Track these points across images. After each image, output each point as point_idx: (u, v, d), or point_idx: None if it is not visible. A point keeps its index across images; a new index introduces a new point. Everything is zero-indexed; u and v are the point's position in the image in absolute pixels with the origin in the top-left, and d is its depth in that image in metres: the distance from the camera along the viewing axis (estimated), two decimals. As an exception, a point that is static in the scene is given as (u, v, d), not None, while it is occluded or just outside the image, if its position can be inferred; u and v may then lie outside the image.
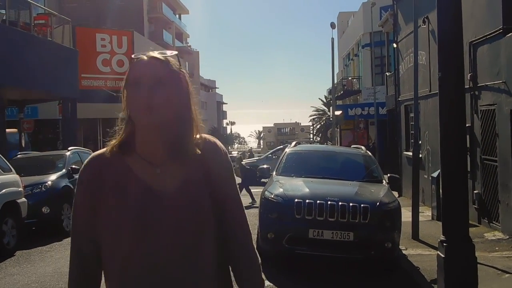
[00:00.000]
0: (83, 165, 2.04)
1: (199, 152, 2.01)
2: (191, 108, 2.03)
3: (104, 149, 2.03)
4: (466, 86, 9.47)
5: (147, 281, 1.93)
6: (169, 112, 1.93)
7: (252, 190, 18.15)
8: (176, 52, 2.04)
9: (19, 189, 10.70)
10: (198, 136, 2.05)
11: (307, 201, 8.12)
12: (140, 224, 1.91)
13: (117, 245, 1.93)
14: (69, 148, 14.67)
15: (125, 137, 1.99)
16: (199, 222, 1.96)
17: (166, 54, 2.00)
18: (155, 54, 1.97)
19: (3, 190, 10.10)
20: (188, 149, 1.99)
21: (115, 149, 1.99)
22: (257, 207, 10.82)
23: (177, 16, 66.91)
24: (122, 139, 2.00)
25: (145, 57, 1.96)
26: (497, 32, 10.61)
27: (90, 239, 2.01)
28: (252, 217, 10.02)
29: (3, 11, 18.21)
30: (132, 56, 1.99)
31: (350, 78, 43.46)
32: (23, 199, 10.77)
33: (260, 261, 2.16)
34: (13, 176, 10.70)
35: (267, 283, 6.90)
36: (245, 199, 16.18)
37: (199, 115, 2.07)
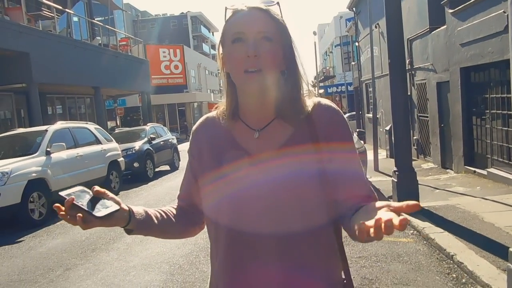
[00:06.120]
0: (196, 123, 1.23)
1: (308, 113, 1.09)
2: (297, 63, 1.11)
3: (216, 111, 1.19)
4: (407, 68, 9.25)
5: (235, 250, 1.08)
6: (276, 72, 1.06)
7: None
8: (278, 1, 1.09)
9: (118, 152, 10.79)
10: (308, 99, 1.13)
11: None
12: (232, 187, 1.08)
13: (207, 203, 1.14)
14: (148, 124, 14.69)
15: (230, 101, 1.13)
16: (298, 193, 1.03)
17: (267, 2, 1.08)
18: (256, 3, 1.07)
19: (109, 153, 10.19)
20: (294, 110, 1.09)
21: (221, 113, 1.15)
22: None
23: (211, 33, 66.03)
24: (227, 103, 1.14)
25: (244, 8, 1.07)
26: (425, 31, 10.31)
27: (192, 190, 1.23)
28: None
29: (99, 38, 18.17)
30: (226, 6, 1.10)
31: (327, 68, 42.82)
32: (121, 158, 10.85)
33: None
34: (114, 144, 10.79)
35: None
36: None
37: (306, 73, 1.14)
